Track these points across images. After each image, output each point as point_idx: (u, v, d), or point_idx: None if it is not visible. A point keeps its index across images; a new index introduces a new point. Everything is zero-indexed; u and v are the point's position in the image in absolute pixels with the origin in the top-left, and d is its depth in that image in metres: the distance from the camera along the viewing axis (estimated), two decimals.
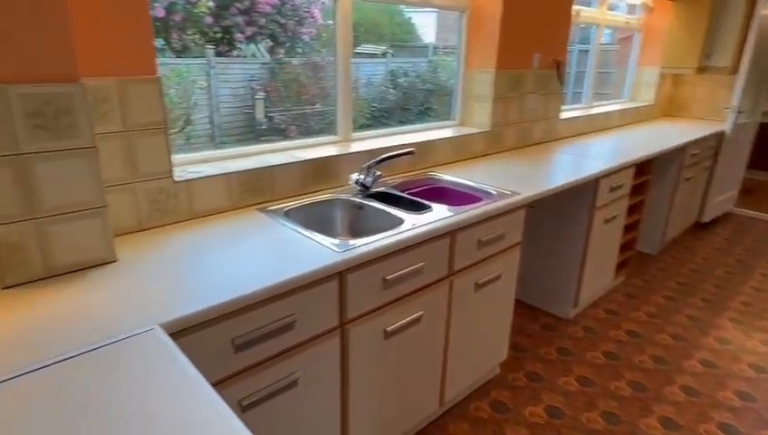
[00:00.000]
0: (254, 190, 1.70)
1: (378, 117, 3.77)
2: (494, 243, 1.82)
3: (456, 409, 2.01)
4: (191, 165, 1.69)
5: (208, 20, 2.79)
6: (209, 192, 1.59)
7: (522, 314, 2.72)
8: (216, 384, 1.10)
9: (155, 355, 0.87)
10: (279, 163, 1.76)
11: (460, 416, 1.97)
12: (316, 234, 1.43)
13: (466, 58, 2.64)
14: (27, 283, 1.12)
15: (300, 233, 1.45)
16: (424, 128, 2.57)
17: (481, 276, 1.82)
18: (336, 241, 1.38)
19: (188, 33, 2.81)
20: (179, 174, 1.54)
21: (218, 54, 3.06)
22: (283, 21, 3.13)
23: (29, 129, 1.05)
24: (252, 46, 3.20)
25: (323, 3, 2.69)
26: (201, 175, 1.57)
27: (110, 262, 1.23)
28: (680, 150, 3.30)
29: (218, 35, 3.00)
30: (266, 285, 1.12)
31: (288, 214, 1.64)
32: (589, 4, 3.53)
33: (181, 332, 1.00)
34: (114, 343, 0.90)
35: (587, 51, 3.89)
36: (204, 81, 3.16)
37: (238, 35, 3.01)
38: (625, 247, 2.98)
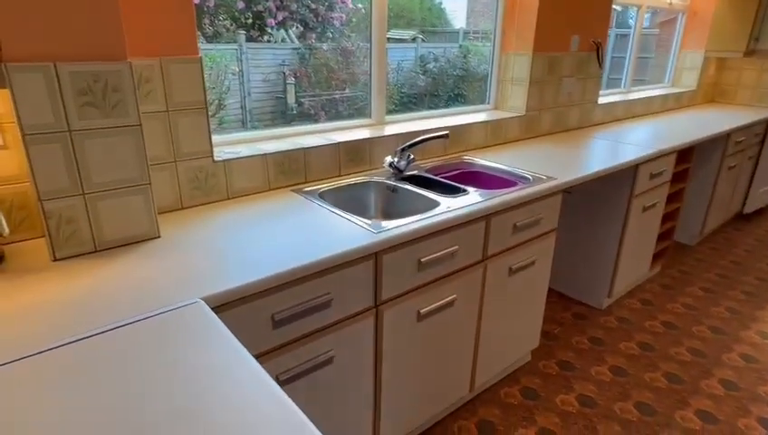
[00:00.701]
0: (288, 172, 1.71)
1: (406, 103, 3.74)
2: (529, 228, 1.79)
3: (487, 394, 2.00)
4: (227, 146, 1.71)
5: (240, 5, 2.81)
6: (246, 172, 1.61)
7: (553, 303, 2.68)
8: (256, 358, 1.13)
9: (200, 327, 0.89)
10: (313, 145, 1.77)
11: (490, 401, 1.96)
12: (351, 215, 1.44)
13: (502, 40, 2.58)
14: (77, 256, 1.17)
15: (335, 213, 1.46)
16: (458, 111, 2.54)
17: (515, 262, 1.79)
18: (371, 222, 1.38)
19: (220, 18, 2.83)
20: (218, 155, 1.57)
21: (249, 40, 3.08)
22: (313, 6, 3.12)
23: (79, 106, 1.08)
24: (282, 32, 3.21)
25: None
26: (239, 155, 1.59)
27: (154, 238, 1.27)
28: (724, 138, 3.16)
29: (249, 21, 3.01)
30: (304, 263, 1.13)
31: (323, 195, 1.65)
32: None
33: (223, 305, 1.03)
34: (161, 313, 0.93)
35: (624, 35, 3.76)
36: (236, 66, 3.20)
37: (269, 21, 3.02)
38: (662, 237, 2.89)
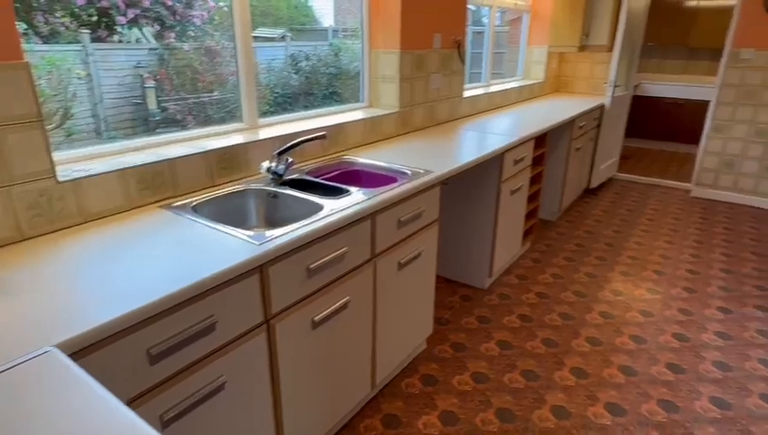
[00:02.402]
0: (153, 186, 1.55)
1: (281, 103, 3.64)
2: (413, 222, 1.84)
3: (388, 388, 2.03)
4: (79, 162, 1.50)
5: (80, 1, 2.48)
6: (102, 191, 1.42)
7: (442, 289, 2.81)
8: (133, 401, 1.00)
9: (55, 379, 0.76)
10: (180, 155, 1.62)
11: (393, 395, 2.00)
12: (231, 227, 1.35)
13: (370, 39, 2.62)
14: None
15: (212, 228, 1.35)
16: (334, 111, 2.52)
17: (403, 256, 1.84)
18: (253, 233, 1.31)
19: (56, 15, 2.48)
20: (64, 173, 1.36)
21: (96, 40, 2.74)
22: (169, 2, 2.88)
23: None
24: (135, 31, 2.91)
25: None
26: (89, 173, 1.40)
27: None
28: (570, 123, 3.57)
29: (94, 19, 2.68)
30: (178, 289, 1.03)
31: (196, 209, 1.53)
32: None
33: (85, 349, 0.89)
34: (4, 371, 0.78)
35: (480, 32, 4.06)
36: (82, 69, 2.83)
37: (119, 18, 2.72)
38: (529, 216, 3.19)
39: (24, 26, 2.06)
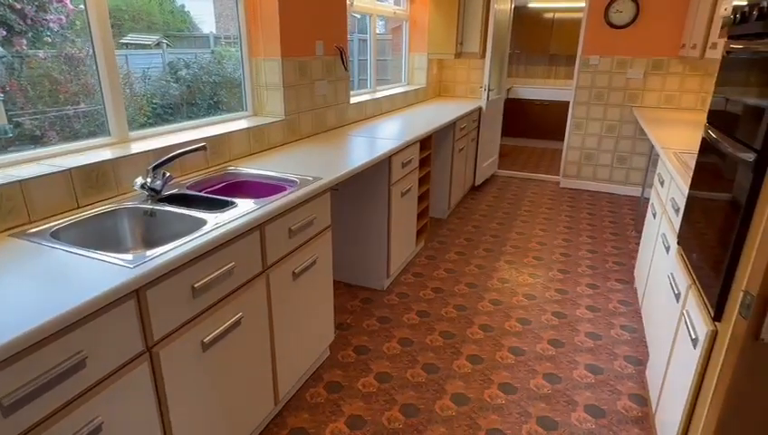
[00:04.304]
0: (2, 212, 1.36)
1: (161, 114, 3.40)
2: (304, 229, 1.82)
3: (293, 401, 1.99)
4: None
5: None
6: None
7: (342, 294, 2.82)
8: None
9: None
10: (33, 175, 1.44)
11: (298, 407, 1.96)
12: (100, 252, 1.23)
13: (250, 46, 2.55)
14: None
15: (77, 254, 1.22)
16: (216, 120, 2.42)
17: (297, 265, 1.81)
18: (128, 256, 1.20)
19: None
20: None
21: None
22: (18, 5, 2.55)
23: None
24: None
25: None
26: None
27: None
28: (452, 126, 3.80)
29: None
30: (29, 328, 0.91)
31: (57, 235, 1.37)
32: None
33: None
34: None
35: (365, 39, 4.15)
36: None
37: None
38: (421, 216, 3.32)
39: None
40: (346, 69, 3.14)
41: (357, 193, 2.71)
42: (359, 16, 4.25)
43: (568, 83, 6.46)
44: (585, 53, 4.63)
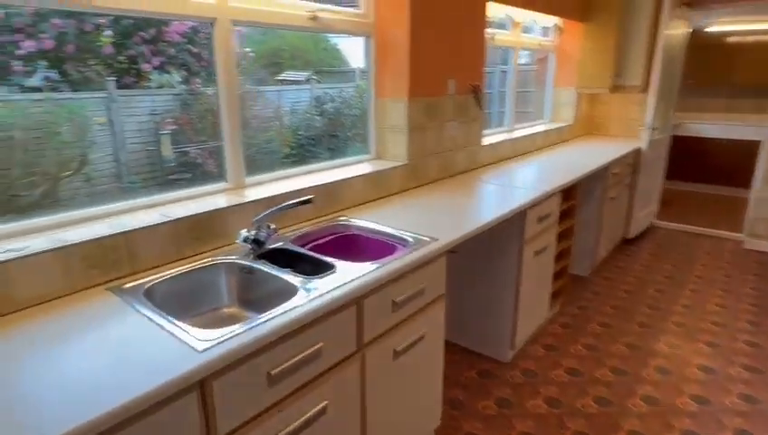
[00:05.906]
0: (104, 264, 1.34)
1: (304, 144, 3.50)
2: (412, 301, 1.56)
3: None
4: (18, 238, 1.31)
5: (108, 49, 2.42)
6: (38, 274, 1.22)
7: (455, 361, 2.48)
8: None
9: None
10: (141, 226, 1.41)
11: None
12: (178, 323, 1.10)
13: (377, 86, 2.42)
14: None
15: (155, 323, 1.11)
16: (338, 164, 2.31)
17: (400, 342, 1.54)
18: (205, 333, 1.06)
19: (89, 63, 2.41)
20: None
21: (123, 87, 2.67)
22: (195, 50, 2.79)
23: None
24: (165, 76, 2.83)
25: (239, 30, 2.40)
26: (22, 253, 1.20)
27: None
28: (603, 171, 3.25)
29: (123, 66, 2.61)
30: (73, 426, 0.78)
31: (150, 292, 1.30)
32: (503, 27, 3.46)
33: None
34: None
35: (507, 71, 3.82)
36: (103, 116, 2.73)
37: (144, 66, 2.64)
38: (558, 275, 2.84)
39: (58, 74, 2.00)
40: (481, 108, 2.85)
41: (482, 248, 2.37)
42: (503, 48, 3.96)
43: (757, 119, 5.31)
44: None
